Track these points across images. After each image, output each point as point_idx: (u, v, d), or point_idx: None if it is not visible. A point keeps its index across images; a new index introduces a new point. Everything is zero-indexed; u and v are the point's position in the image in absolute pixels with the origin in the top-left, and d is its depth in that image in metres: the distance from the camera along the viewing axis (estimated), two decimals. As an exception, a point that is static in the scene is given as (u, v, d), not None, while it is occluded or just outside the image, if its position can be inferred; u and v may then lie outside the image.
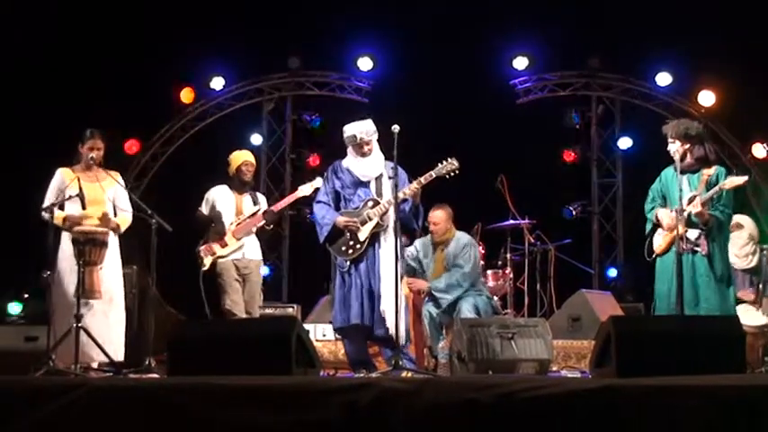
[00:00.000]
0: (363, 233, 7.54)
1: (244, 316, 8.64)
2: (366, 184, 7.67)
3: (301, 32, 12.95)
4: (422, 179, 7.52)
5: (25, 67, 11.61)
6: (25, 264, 10.67)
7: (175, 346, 5.74)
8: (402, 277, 7.66)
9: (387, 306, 7.32)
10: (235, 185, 8.95)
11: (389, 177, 7.48)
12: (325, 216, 7.70)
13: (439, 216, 9.06)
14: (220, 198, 8.89)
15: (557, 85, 13.49)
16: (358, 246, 7.55)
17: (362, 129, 7.68)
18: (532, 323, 7.88)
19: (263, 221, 8.86)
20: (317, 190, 8.99)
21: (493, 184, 10.78)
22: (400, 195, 7.34)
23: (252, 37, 12.64)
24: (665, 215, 7.47)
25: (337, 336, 9.78)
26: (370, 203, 7.60)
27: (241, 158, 8.99)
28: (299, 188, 9.17)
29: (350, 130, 7.71)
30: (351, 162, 7.76)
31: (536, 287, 11.39)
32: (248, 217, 8.81)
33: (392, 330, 7.19)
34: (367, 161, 7.68)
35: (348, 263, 7.58)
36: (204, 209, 8.91)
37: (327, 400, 4.27)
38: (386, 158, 7.70)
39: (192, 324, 7.23)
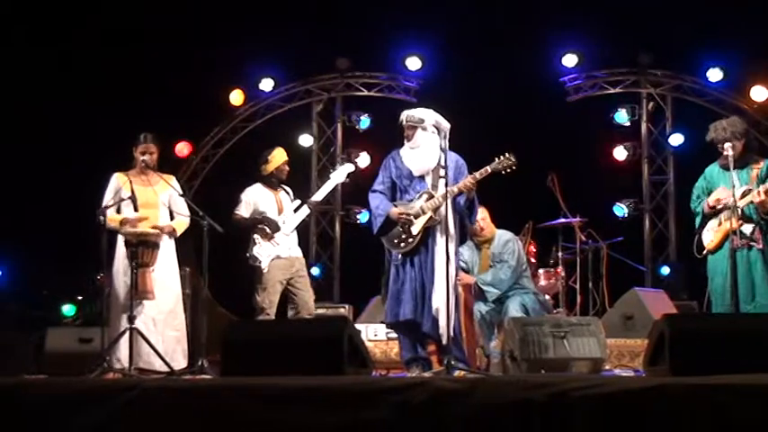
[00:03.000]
0: (416, 227, 7.35)
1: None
2: (422, 177, 7.49)
3: (350, 33, 12.96)
4: (477, 174, 7.38)
5: (78, 72, 11.74)
6: (78, 267, 10.80)
7: (228, 347, 5.77)
8: (457, 274, 7.53)
9: (438, 303, 7.18)
10: (270, 183, 8.78)
11: (442, 167, 7.26)
12: (378, 206, 7.55)
13: (483, 214, 8.95)
14: (260, 198, 8.70)
15: (606, 83, 13.39)
16: (410, 239, 7.38)
17: (408, 113, 7.56)
18: (585, 322, 7.86)
19: (309, 211, 8.79)
20: (349, 175, 9.03)
21: (544, 182, 10.73)
22: (454, 189, 7.29)
23: (300, 38, 12.67)
24: (717, 194, 7.42)
25: (389, 335, 9.83)
26: (425, 196, 7.40)
27: (283, 157, 8.83)
28: (331, 176, 9.12)
29: (402, 114, 7.60)
30: (404, 152, 7.60)
31: (588, 286, 11.31)
32: (295, 210, 8.70)
33: (442, 329, 7.08)
34: (417, 153, 7.46)
35: (401, 256, 7.45)
36: (243, 211, 8.69)
37: (379, 400, 4.27)
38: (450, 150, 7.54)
39: (245, 325, 7.27)
